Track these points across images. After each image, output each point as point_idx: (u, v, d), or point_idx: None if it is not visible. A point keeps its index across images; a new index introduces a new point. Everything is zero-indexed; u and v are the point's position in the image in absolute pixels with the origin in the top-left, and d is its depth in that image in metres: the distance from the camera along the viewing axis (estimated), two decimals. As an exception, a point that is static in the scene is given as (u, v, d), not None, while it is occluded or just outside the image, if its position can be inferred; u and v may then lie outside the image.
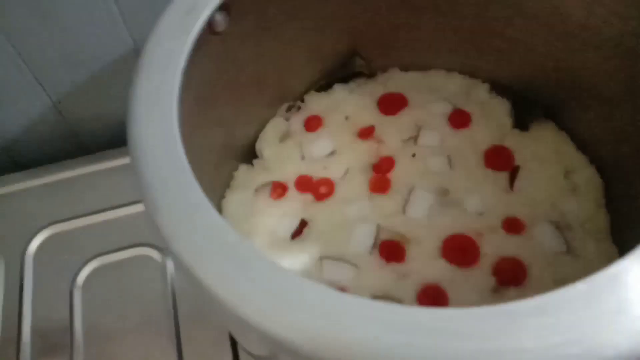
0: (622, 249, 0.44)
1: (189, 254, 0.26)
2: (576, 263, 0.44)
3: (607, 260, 0.44)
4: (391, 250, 0.46)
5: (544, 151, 0.50)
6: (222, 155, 0.52)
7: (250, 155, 0.56)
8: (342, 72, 0.57)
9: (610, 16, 0.41)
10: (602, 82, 0.45)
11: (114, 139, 0.70)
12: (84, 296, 0.59)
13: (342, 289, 0.44)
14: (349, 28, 0.53)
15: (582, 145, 0.50)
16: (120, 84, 0.61)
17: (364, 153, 0.52)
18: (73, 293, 0.59)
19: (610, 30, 0.42)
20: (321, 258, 0.46)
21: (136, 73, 0.32)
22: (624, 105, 0.44)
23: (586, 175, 0.48)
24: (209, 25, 0.40)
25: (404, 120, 0.53)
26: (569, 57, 0.47)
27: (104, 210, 0.64)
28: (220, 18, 0.41)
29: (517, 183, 0.48)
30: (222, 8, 0.40)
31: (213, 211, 0.29)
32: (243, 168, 0.54)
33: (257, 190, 0.51)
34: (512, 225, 0.46)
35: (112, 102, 0.66)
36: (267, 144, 0.55)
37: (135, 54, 0.61)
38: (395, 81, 0.56)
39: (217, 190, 0.52)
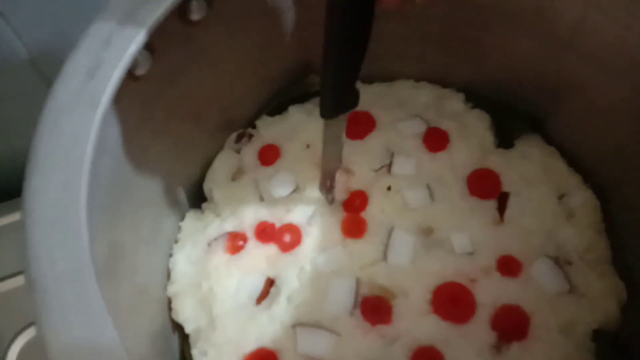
0: (628, 281, 0.40)
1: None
2: (581, 304, 0.39)
3: (614, 297, 0.39)
4: (375, 309, 0.39)
5: (533, 171, 0.44)
6: (165, 204, 0.44)
7: (199, 198, 0.48)
8: (296, 91, 0.49)
9: (610, 22, 0.35)
10: (596, 91, 0.40)
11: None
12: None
13: (323, 367, 0.38)
14: (300, 41, 0.45)
15: (573, 161, 0.44)
16: (28, 119, 0.52)
17: (331, 188, 0.45)
18: (5, 371, 0.51)
19: (608, 37, 0.36)
20: (294, 326, 0.39)
21: (31, 171, 0.24)
22: (624, 115, 0.38)
23: (582, 197, 0.42)
24: (128, 72, 0.31)
25: (373, 145, 0.46)
26: (555, 64, 0.41)
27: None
28: (141, 60, 0.32)
29: (508, 212, 0.42)
30: (144, 48, 0.31)
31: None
32: (190, 216, 0.46)
33: (209, 244, 0.44)
34: (508, 266, 0.40)
35: (21, 139, 0.56)
36: (216, 184, 0.47)
37: (43, 84, 0.51)
38: (358, 97, 0.49)
39: (162, 248, 0.44)
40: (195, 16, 0.35)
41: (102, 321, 0.21)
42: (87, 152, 0.24)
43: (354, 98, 0.32)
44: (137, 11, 0.28)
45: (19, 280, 0.55)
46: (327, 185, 0.41)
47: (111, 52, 0.26)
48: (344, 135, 0.37)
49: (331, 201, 0.43)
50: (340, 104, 0.32)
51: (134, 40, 0.27)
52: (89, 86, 0.25)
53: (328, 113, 0.33)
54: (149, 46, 0.32)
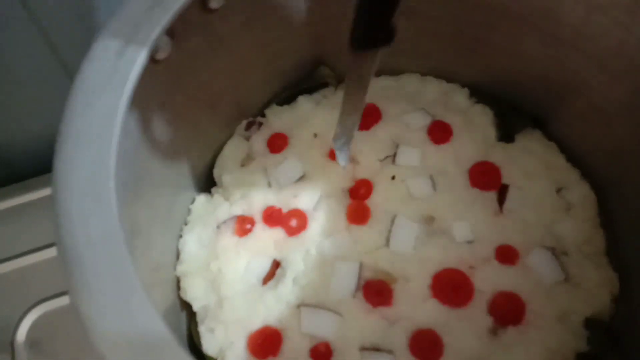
0: (622, 274, 0.41)
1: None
2: (576, 293, 0.40)
3: (608, 288, 0.41)
4: (377, 292, 0.41)
5: (533, 165, 0.45)
6: (177, 186, 0.45)
7: (208, 183, 0.49)
8: (306, 83, 0.50)
9: (612, 25, 0.37)
10: (597, 92, 0.41)
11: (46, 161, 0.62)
12: (30, 350, 0.52)
13: (325, 344, 0.39)
14: (314, 35, 0.47)
15: (572, 157, 0.46)
16: (48, 102, 0.54)
17: (337, 176, 0.46)
18: (15, 348, 0.52)
19: (610, 39, 0.37)
20: (299, 306, 0.41)
21: (62, 145, 0.25)
22: (624, 116, 0.40)
23: (580, 191, 0.44)
24: (150, 56, 0.33)
25: (379, 135, 0.48)
26: (559, 64, 0.43)
27: (46, 247, 0.56)
28: (162, 44, 0.33)
29: (507, 204, 0.44)
30: (165, 33, 0.33)
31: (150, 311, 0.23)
32: (200, 199, 0.47)
33: (219, 226, 0.45)
34: (506, 254, 0.42)
35: (42, 124, 0.57)
36: (226, 169, 0.49)
37: (65, 73, 0.52)
38: (366, 89, 0.50)
39: (173, 229, 0.45)
40: (214, 4, 0.36)
41: (134, 284, 0.22)
42: (115, 130, 0.25)
43: (389, 34, 0.28)
44: (163, -3, 0.30)
45: (28, 259, 0.57)
46: (343, 140, 0.38)
47: (139, 35, 0.28)
48: (370, 79, 0.33)
49: (345, 161, 0.40)
50: (372, 36, 0.28)
51: (160, 25, 0.29)
52: (118, 66, 0.27)
53: (357, 43, 0.28)
54: (170, 31, 0.34)
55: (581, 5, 0.38)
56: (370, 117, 0.49)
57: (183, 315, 0.44)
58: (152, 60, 0.34)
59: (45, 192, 0.59)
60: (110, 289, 0.22)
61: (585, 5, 0.37)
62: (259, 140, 0.49)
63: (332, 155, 0.47)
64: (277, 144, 0.49)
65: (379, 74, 0.52)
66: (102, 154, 0.24)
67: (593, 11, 0.37)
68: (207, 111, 0.45)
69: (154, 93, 0.35)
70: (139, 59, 0.27)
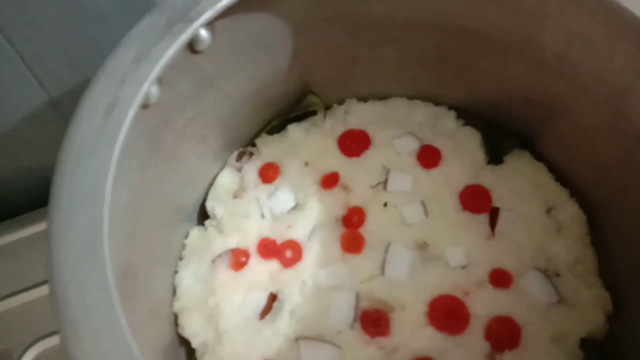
0: (614, 293, 0.42)
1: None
2: (570, 314, 0.41)
3: (601, 307, 0.41)
4: (375, 321, 0.41)
5: (523, 186, 0.46)
6: (172, 222, 0.46)
7: (201, 215, 0.49)
8: (295, 111, 0.51)
9: (592, 52, 0.37)
10: (581, 115, 0.42)
11: (38, 197, 0.61)
12: (28, 389, 0.52)
13: (326, 378, 0.39)
14: (300, 66, 0.47)
15: (560, 177, 0.46)
16: (38, 139, 0.54)
17: (330, 205, 0.47)
18: (14, 387, 0.52)
19: (591, 65, 0.38)
20: (297, 339, 0.41)
21: (55, 208, 0.25)
22: (608, 138, 0.41)
23: (570, 211, 0.45)
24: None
25: (370, 162, 0.48)
26: (544, 88, 0.43)
27: (44, 282, 0.56)
28: (151, 92, 0.34)
29: (499, 226, 0.44)
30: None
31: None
32: (194, 233, 0.47)
33: (214, 261, 0.45)
34: (500, 278, 0.42)
35: (31, 158, 0.57)
36: (218, 201, 0.49)
37: (51, 106, 0.52)
38: (354, 115, 0.51)
39: (169, 265, 0.45)
40: (200, 47, 0.37)
41: (131, 347, 0.22)
42: (107, 189, 0.25)
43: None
44: (150, 49, 0.30)
45: (26, 296, 0.56)
46: None
47: (126, 90, 0.28)
48: None
49: None
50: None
51: (148, 79, 0.29)
52: (107, 125, 0.27)
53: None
54: (158, 78, 0.34)
55: (562, 34, 0.38)
56: (360, 144, 0.49)
57: (182, 352, 0.44)
58: (143, 106, 0.34)
59: (41, 227, 0.59)
60: (105, 352, 0.22)
61: (566, 35, 0.38)
62: (251, 170, 0.50)
63: (324, 184, 0.48)
64: (269, 173, 0.49)
65: (365, 99, 0.52)
66: (96, 217, 0.24)
67: (574, 40, 0.38)
68: (197, 145, 0.45)
69: (145, 135, 0.35)
70: (127, 116, 0.28)
